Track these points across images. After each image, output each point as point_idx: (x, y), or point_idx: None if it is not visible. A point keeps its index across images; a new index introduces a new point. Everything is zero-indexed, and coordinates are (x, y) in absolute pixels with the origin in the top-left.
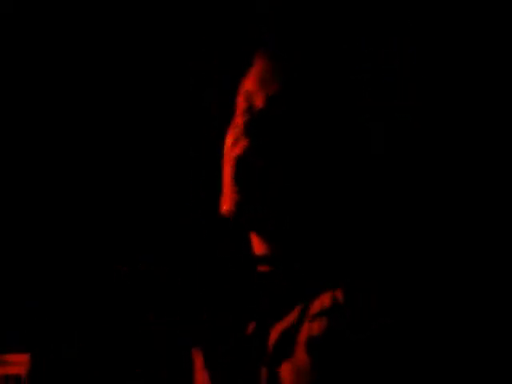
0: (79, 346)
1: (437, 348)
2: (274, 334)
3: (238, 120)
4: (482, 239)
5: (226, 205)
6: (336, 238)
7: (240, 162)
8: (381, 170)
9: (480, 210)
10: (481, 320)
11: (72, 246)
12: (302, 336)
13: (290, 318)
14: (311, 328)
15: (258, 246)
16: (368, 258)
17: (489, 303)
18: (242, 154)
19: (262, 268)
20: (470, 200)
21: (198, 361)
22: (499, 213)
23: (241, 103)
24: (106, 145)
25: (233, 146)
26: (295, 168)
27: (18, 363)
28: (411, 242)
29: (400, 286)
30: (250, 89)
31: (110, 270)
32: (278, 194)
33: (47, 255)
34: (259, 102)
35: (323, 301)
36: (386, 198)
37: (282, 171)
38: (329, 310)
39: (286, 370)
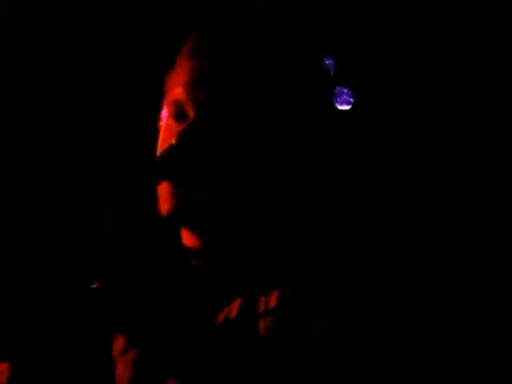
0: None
1: (380, 342)
2: (208, 330)
3: (169, 123)
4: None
5: (165, 206)
6: (274, 235)
7: (176, 167)
8: (313, 167)
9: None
10: (423, 318)
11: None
12: (244, 335)
13: (224, 314)
14: (255, 327)
15: (189, 240)
16: (310, 255)
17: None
18: (177, 160)
19: (194, 262)
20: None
21: (118, 345)
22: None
23: (170, 107)
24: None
25: (167, 150)
26: (229, 171)
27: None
28: (348, 236)
29: (346, 282)
30: (179, 93)
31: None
32: (214, 196)
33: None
34: (190, 110)
35: (268, 300)
36: (319, 196)
37: (217, 174)
38: (274, 310)
39: (225, 368)
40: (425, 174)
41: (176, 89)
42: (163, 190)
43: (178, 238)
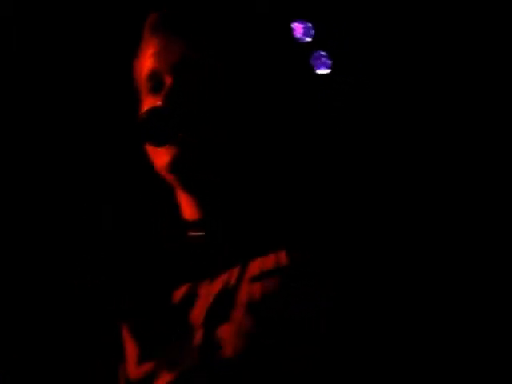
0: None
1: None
2: (208, 295)
3: (150, 100)
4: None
5: (162, 160)
6: (269, 203)
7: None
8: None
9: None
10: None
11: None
12: (242, 298)
13: (224, 279)
14: (252, 289)
15: (188, 212)
16: (306, 223)
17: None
18: (165, 119)
19: (193, 232)
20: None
21: (126, 333)
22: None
23: (147, 82)
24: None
25: (152, 109)
26: (217, 128)
27: None
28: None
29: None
30: (151, 63)
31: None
32: (211, 155)
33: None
34: (166, 76)
35: (264, 262)
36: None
37: (206, 132)
38: (271, 272)
39: (225, 332)
40: (422, 170)
41: (147, 61)
42: (157, 150)
43: (178, 214)
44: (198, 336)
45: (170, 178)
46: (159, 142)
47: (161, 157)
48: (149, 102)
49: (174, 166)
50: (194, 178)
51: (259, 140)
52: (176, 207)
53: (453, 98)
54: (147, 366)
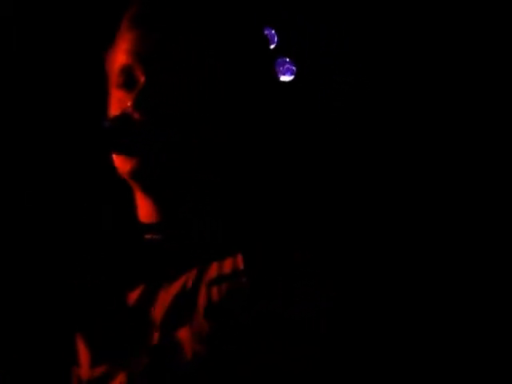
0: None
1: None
2: (166, 298)
3: (118, 94)
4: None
5: (126, 165)
6: (229, 205)
7: (136, 130)
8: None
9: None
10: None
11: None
12: (200, 301)
13: (181, 282)
14: (210, 293)
15: (147, 214)
16: (262, 227)
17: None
18: (136, 123)
19: (150, 236)
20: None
21: (79, 336)
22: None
23: (117, 77)
24: None
25: (123, 114)
26: (186, 131)
27: None
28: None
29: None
30: (125, 60)
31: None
32: (173, 156)
33: None
34: (140, 74)
35: (222, 266)
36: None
37: (175, 135)
38: (228, 276)
39: (184, 335)
40: (421, 169)
41: (121, 57)
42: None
43: (135, 216)
44: (155, 338)
45: (130, 182)
46: (126, 152)
47: (123, 162)
48: (118, 98)
49: (135, 174)
50: (155, 184)
51: (225, 144)
52: (132, 209)
53: (448, 97)
54: (100, 369)
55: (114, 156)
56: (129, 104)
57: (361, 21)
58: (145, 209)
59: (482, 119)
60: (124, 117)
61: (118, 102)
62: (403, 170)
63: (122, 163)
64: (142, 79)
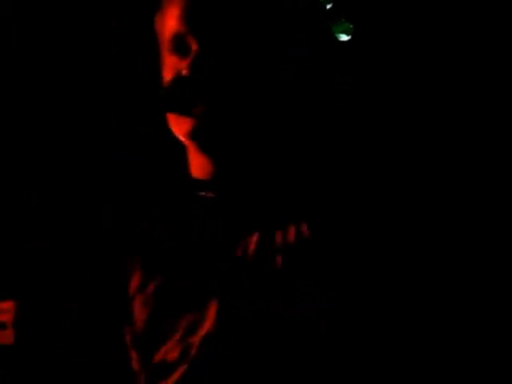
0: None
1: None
2: (226, 264)
3: (169, 60)
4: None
5: (182, 127)
6: (289, 171)
7: (190, 97)
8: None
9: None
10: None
11: None
12: (263, 269)
13: (242, 248)
14: (274, 262)
15: (200, 171)
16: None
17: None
18: (191, 89)
19: (203, 192)
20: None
21: (135, 283)
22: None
23: (170, 43)
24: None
25: (178, 79)
26: (241, 98)
27: (4, 310)
28: None
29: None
30: (176, 26)
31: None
32: (229, 121)
33: None
34: (192, 41)
35: (286, 234)
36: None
37: (229, 102)
38: (294, 245)
39: (246, 304)
40: (424, 170)
41: (171, 22)
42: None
43: (187, 171)
44: (214, 305)
45: (186, 141)
46: (183, 112)
47: (180, 124)
48: (171, 64)
49: (192, 134)
50: (215, 146)
51: (280, 116)
52: (185, 165)
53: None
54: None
55: (170, 117)
56: (183, 72)
57: (361, 21)
58: (199, 166)
59: (482, 119)
60: (180, 81)
61: (172, 67)
62: (404, 169)
63: (178, 124)
64: (195, 47)
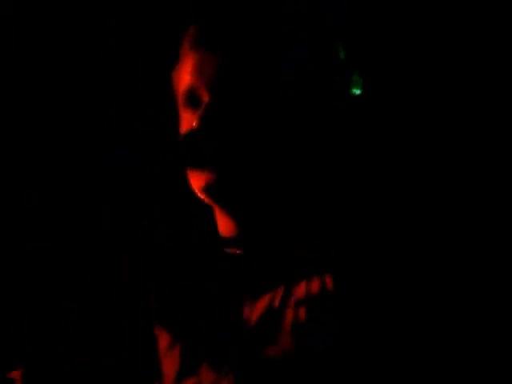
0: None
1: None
2: (251, 316)
3: (185, 114)
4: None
5: (199, 182)
6: (312, 222)
7: (202, 149)
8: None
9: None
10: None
11: None
12: (287, 321)
13: (267, 300)
14: (297, 313)
15: (226, 228)
16: (352, 243)
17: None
18: (201, 142)
19: (232, 250)
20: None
21: (163, 342)
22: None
23: (184, 97)
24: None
25: (189, 133)
26: (253, 149)
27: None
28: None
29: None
30: (189, 81)
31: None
32: (248, 178)
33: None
34: (204, 94)
35: (310, 286)
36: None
37: (243, 153)
38: (317, 296)
39: (271, 354)
40: (426, 171)
41: (185, 78)
42: (195, 171)
43: (215, 229)
44: (239, 357)
45: (206, 199)
46: (196, 166)
47: (196, 179)
48: (186, 118)
49: (209, 190)
50: (231, 200)
51: (299, 163)
52: (212, 223)
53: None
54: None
55: (189, 174)
56: (194, 124)
57: (360, 21)
58: (224, 223)
59: (483, 119)
60: (190, 134)
61: (186, 122)
62: (404, 171)
63: (194, 178)
64: (207, 98)
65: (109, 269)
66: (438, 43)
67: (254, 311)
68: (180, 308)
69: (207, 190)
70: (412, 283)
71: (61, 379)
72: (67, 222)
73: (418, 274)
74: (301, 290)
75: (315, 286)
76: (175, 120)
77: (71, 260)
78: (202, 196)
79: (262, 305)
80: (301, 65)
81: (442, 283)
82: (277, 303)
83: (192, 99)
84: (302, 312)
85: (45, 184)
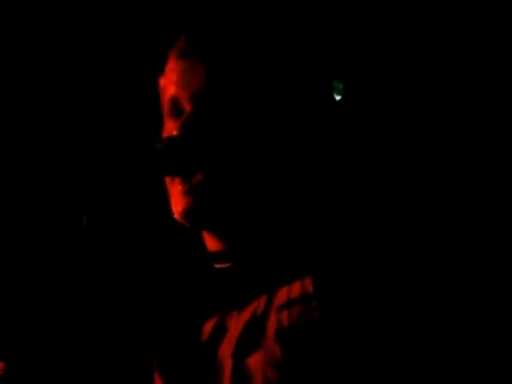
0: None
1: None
2: (237, 326)
3: (170, 125)
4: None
5: (179, 207)
6: (291, 230)
7: (179, 159)
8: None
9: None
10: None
11: None
12: (271, 327)
13: (252, 309)
14: (280, 318)
15: (212, 244)
16: (330, 247)
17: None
18: (179, 151)
19: (219, 265)
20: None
21: (155, 367)
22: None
23: (168, 107)
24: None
25: (167, 141)
26: (233, 163)
27: None
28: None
29: (366, 275)
30: (173, 91)
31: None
32: (229, 193)
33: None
34: (186, 104)
35: (291, 290)
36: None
37: (222, 167)
38: (298, 299)
39: (256, 362)
40: (422, 170)
41: (170, 88)
42: (174, 190)
43: (202, 245)
44: (228, 367)
45: (187, 225)
46: (174, 174)
47: (175, 204)
48: (168, 127)
49: (187, 216)
50: (211, 225)
51: (284, 174)
52: (199, 240)
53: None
54: None
55: (169, 193)
56: (174, 132)
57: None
58: (209, 240)
59: (483, 119)
60: (169, 142)
61: (168, 130)
62: (404, 172)
63: (173, 204)
64: (188, 108)
65: (109, 269)
66: (438, 43)
67: (239, 322)
68: (180, 308)
69: (185, 216)
70: (412, 283)
71: (61, 379)
72: (67, 221)
73: (418, 273)
74: (282, 295)
75: (296, 289)
76: None
77: (71, 260)
78: (182, 221)
79: (246, 315)
80: (276, 82)
81: (442, 290)
82: (259, 311)
83: (175, 108)
84: (285, 316)
85: (45, 184)
